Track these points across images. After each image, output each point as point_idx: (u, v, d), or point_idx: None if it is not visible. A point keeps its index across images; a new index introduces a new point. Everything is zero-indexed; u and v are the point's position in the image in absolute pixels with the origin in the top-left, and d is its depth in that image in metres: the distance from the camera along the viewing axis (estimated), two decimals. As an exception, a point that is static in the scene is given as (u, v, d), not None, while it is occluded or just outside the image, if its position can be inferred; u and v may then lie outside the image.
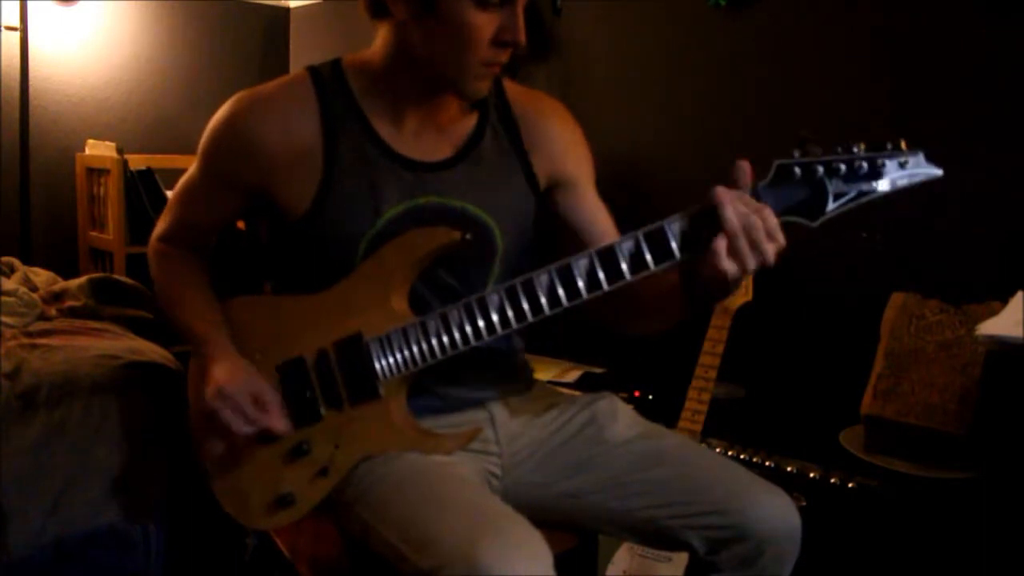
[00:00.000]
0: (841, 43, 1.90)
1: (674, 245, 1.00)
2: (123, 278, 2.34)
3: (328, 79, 1.20)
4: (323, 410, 1.14)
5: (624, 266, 1.02)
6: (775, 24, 2.00)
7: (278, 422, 1.13)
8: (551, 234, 1.30)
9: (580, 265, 1.04)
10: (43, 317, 2.05)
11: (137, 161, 2.75)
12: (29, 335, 1.88)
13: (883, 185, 0.98)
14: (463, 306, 1.09)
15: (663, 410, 1.76)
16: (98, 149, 2.80)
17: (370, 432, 1.13)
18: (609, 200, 1.31)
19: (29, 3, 2.70)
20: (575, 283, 1.04)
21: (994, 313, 1.44)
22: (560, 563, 0.96)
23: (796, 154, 0.99)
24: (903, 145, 0.98)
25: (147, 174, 2.72)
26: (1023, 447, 1.26)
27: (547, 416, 1.27)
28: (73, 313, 2.10)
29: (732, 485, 1.14)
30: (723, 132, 2.12)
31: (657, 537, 1.20)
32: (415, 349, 1.11)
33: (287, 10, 3.44)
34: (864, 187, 0.98)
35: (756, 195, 0.98)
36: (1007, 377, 1.29)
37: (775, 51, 2.01)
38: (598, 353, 2.25)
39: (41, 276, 2.29)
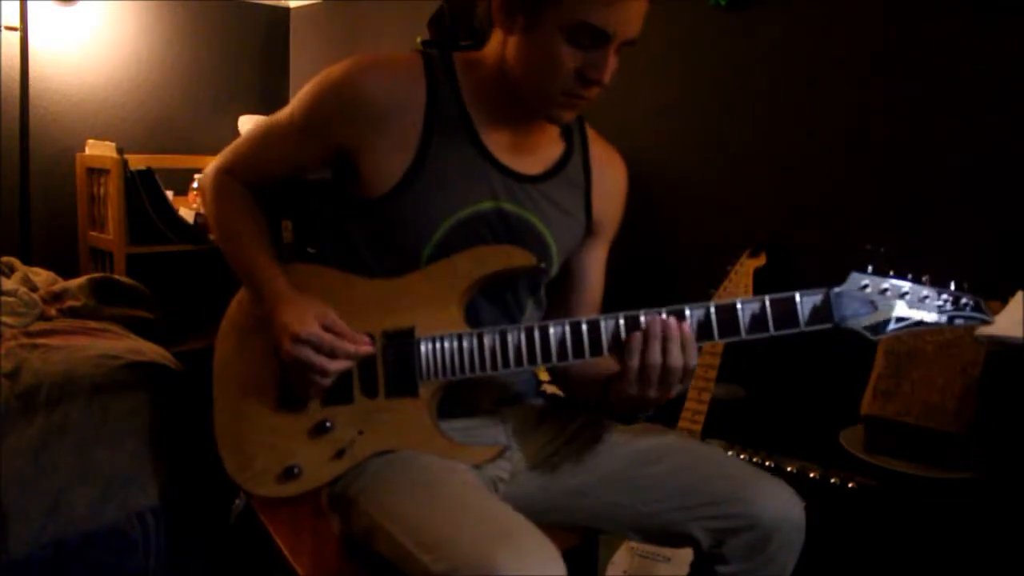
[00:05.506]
0: (841, 41, 1.90)
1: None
2: (123, 278, 2.34)
3: (438, 65, 1.20)
4: (356, 394, 1.14)
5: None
6: (775, 24, 2.00)
7: (361, 344, 1.11)
8: None
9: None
10: (43, 317, 2.05)
11: (137, 161, 2.74)
12: (29, 335, 1.88)
13: (941, 319, 1.05)
14: (524, 329, 1.10)
15: (663, 410, 1.76)
16: (98, 149, 2.80)
17: (398, 427, 1.13)
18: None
19: (29, 3, 2.70)
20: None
21: (994, 313, 1.44)
22: (560, 562, 0.96)
23: (870, 269, 1.06)
24: (966, 287, 1.06)
25: (147, 174, 2.72)
26: (1023, 447, 1.26)
27: (552, 418, 1.29)
28: (73, 313, 2.10)
29: (736, 476, 1.16)
30: (722, 132, 2.12)
31: (661, 532, 1.20)
32: (465, 358, 1.11)
33: (287, 10, 3.44)
34: (925, 316, 1.05)
35: (827, 299, 1.07)
36: (1007, 377, 1.29)
37: (775, 51, 2.01)
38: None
39: (41, 276, 2.29)
